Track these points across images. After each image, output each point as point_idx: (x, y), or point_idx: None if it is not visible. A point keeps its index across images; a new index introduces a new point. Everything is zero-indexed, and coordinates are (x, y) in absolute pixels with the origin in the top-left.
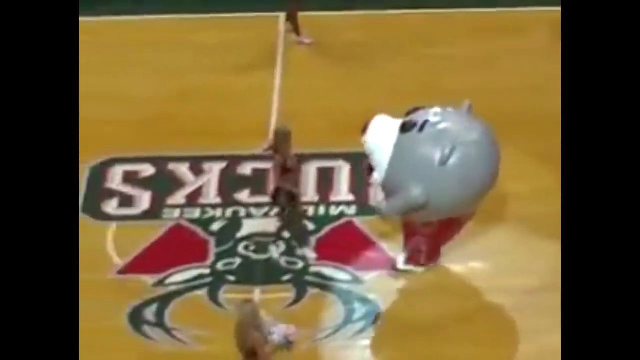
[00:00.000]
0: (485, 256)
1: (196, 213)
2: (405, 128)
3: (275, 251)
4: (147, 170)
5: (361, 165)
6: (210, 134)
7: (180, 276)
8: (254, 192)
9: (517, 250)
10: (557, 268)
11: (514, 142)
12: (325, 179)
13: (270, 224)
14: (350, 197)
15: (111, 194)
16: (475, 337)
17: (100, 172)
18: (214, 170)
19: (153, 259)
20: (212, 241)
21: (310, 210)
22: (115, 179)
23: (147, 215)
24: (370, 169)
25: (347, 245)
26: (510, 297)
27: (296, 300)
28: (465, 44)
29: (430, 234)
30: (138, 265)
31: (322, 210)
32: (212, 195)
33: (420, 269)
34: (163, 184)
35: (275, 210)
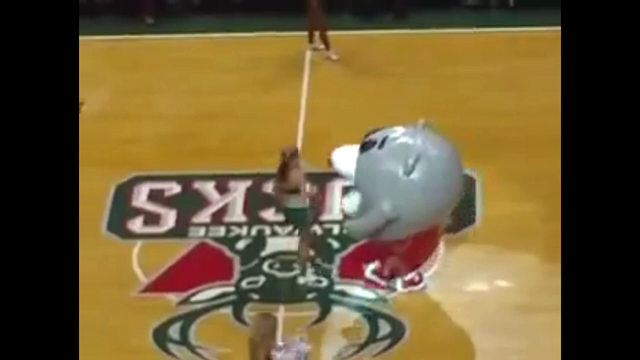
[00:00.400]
0: (511, 275)
1: (221, 231)
2: (364, 147)
3: (306, 275)
4: (173, 188)
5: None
6: (236, 152)
7: (205, 294)
8: (279, 211)
9: (543, 269)
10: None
11: (539, 162)
12: None
13: (295, 243)
14: None
15: (136, 212)
16: (501, 356)
17: (125, 190)
18: (239, 189)
19: (178, 277)
20: (236, 259)
21: (335, 229)
22: (140, 197)
23: (172, 233)
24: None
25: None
26: (537, 316)
27: (320, 318)
28: (491, 63)
29: (404, 252)
30: (163, 283)
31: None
32: (237, 214)
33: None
34: (188, 202)
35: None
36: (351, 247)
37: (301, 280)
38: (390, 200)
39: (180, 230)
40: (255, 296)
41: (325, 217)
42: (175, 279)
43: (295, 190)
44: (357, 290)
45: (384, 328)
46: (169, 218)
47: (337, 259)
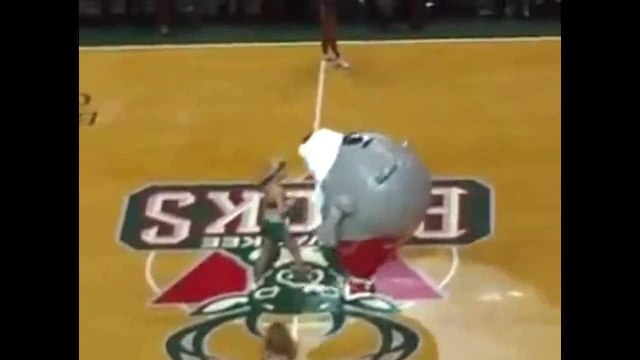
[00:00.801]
0: (525, 286)
1: (235, 242)
2: (350, 140)
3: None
4: (187, 199)
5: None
6: (250, 162)
7: (218, 305)
8: (292, 221)
9: (557, 280)
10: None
11: (553, 172)
12: None
13: (309, 254)
14: None
15: (151, 222)
16: None
17: (140, 201)
18: (253, 200)
19: (192, 288)
20: (250, 270)
21: None
22: (155, 207)
23: (186, 244)
24: None
25: (385, 275)
26: (551, 327)
27: (334, 330)
28: (506, 73)
29: (349, 255)
30: (177, 294)
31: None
32: (251, 225)
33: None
34: (202, 213)
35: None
36: None
37: (307, 289)
38: (352, 197)
39: (194, 241)
40: (270, 307)
41: None
42: (189, 289)
43: (274, 205)
44: (370, 301)
45: (398, 339)
46: (183, 229)
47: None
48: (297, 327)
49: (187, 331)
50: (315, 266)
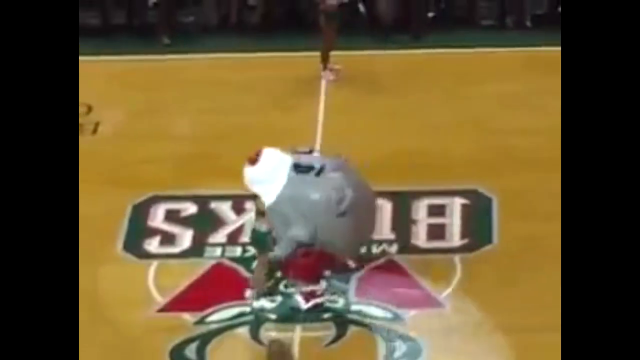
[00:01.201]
0: (528, 295)
1: (237, 251)
2: (300, 169)
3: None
4: (189, 208)
5: None
6: None
7: (221, 314)
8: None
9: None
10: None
11: (555, 181)
12: None
13: None
14: (392, 236)
15: (153, 232)
16: None
17: (142, 210)
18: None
19: (194, 297)
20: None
21: None
22: (157, 217)
23: (188, 253)
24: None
25: (388, 284)
26: (555, 336)
27: (337, 339)
28: (507, 83)
29: (294, 263)
30: (179, 303)
31: (363, 248)
32: None
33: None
34: (205, 223)
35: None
36: (367, 268)
37: (254, 304)
38: (309, 228)
39: (196, 250)
40: (272, 316)
41: None
42: (191, 299)
43: (263, 214)
44: (374, 310)
45: (400, 348)
46: (185, 238)
47: (353, 279)
48: (299, 335)
49: (190, 340)
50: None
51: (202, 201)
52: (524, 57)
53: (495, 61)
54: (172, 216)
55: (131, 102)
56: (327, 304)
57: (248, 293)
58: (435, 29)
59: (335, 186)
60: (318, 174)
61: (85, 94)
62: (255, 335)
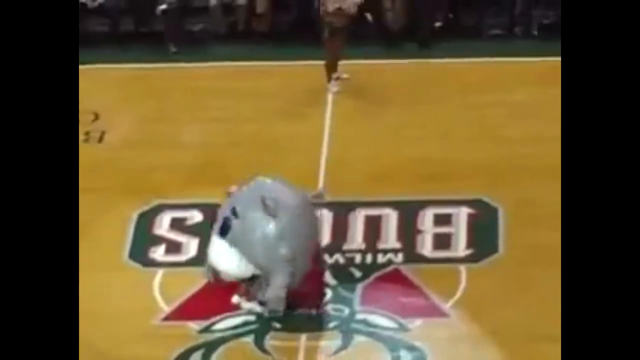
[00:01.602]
0: (534, 304)
1: None
2: (224, 230)
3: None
4: (195, 217)
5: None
6: None
7: (226, 323)
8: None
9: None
10: None
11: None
12: (373, 227)
13: None
14: (398, 245)
15: (159, 240)
16: None
17: (148, 218)
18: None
19: (199, 306)
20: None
21: (357, 258)
22: (162, 225)
23: (194, 262)
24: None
25: (393, 293)
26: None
27: (342, 348)
28: (515, 92)
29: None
30: (184, 311)
31: (369, 258)
32: None
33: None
34: (210, 231)
35: None
36: (372, 277)
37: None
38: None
39: (202, 258)
40: (277, 325)
41: (347, 246)
42: (196, 307)
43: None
44: (379, 319)
45: (405, 357)
46: (191, 246)
47: (359, 287)
48: (304, 344)
49: (195, 348)
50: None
51: (208, 209)
52: (532, 67)
53: (504, 71)
54: (177, 224)
55: (138, 110)
56: (333, 313)
57: (235, 298)
58: (443, 38)
59: (252, 205)
60: (235, 216)
61: (92, 101)
62: (260, 344)
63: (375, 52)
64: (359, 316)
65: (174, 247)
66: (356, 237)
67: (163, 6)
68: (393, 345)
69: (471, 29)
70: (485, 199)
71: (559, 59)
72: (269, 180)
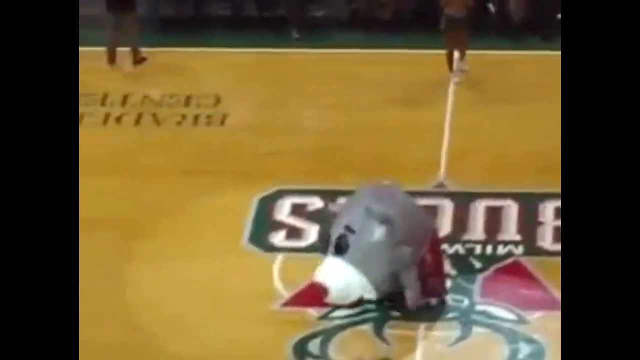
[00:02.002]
0: None
1: None
2: (339, 248)
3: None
4: (316, 203)
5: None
6: (380, 168)
7: (345, 310)
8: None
9: None
10: None
11: None
12: (493, 218)
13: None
14: (518, 237)
15: (279, 225)
16: None
17: (269, 204)
18: None
19: (319, 292)
20: None
21: (478, 249)
22: (283, 210)
23: (313, 247)
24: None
25: (513, 285)
26: None
27: (461, 338)
28: None
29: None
30: (303, 297)
31: (489, 249)
32: None
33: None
34: (331, 218)
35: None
36: (492, 269)
37: None
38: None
39: (321, 246)
40: (396, 313)
41: (467, 237)
42: (316, 293)
43: None
44: (498, 311)
45: (523, 349)
46: (311, 232)
47: (479, 278)
48: (423, 334)
49: (313, 335)
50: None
51: (328, 196)
52: None
53: None
54: (298, 210)
55: (260, 95)
56: (452, 303)
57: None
58: None
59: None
60: (351, 231)
61: (214, 85)
62: (379, 332)
63: (498, 44)
64: (479, 307)
65: (294, 233)
66: (476, 228)
67: None
68: (512, 338)
69: None
70: None
71: None
72: (367, 188)
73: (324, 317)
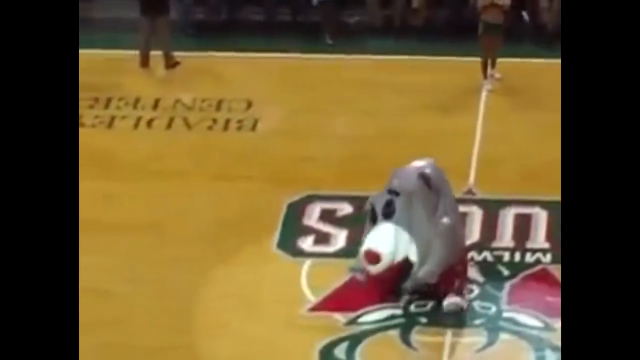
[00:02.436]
0: None
1: None
2: (387, 213)
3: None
4: (345, 209)
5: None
6: None
7: (372, 316)
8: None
9: None
10: None
11: None
12: (522, 226)
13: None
14: (547, 245)
15: (308, 230)
16: None
17: (298, 209)
18: None
19: (346, 298)
20: None
21: (506, 256)
22: (312, 216)
23: (342, 253)
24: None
25: (540, 293)
26: None
27: (488, 345)
28: None
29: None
30: (331, 303)
31: (517, 256)
32: None
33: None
34: (360, 223)
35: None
36: (520, 276)
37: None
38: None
39: (350, 250)
40: (423, 319)
41: (496, 244)
42: (343, 299)
43: None
44: (525, 318)
45: (549, 357)
46: (340, 238)
47: (507, 286)
48: (450, 340)
49: (340, 340)
50: (470, 281)
51: (358, 202)
52: None
53: None
54: (327, 216)
55: (291, 100)
56: (480, 310)
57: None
58: None
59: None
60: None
61: (246, 89)
62: (406, 339)
63: (531, 52)
64: (506, 314)
65: (323, 238)
66: (505, 235)
67: None
68: (538, 345)
69: None
70: None
71: None
72: (423, 160)
73: (351, 322)
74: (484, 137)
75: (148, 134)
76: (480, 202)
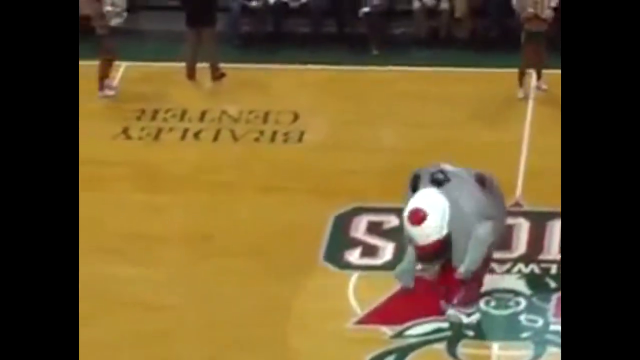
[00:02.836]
0: None
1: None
2: (438, 182)
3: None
4: (392, 221)
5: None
6: None
7: (419, 329)
8: (496, 248)
9: None
10: None
11: None
12: None
13: (512, 281)
14: None
15: (355, 243)
16: None
17: (345, 221)
18: None
19: (393, 310)
20: None
21: (553, 269)
22: (359, 228)
23: (389, 266)
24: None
25: None
26: None
27: (534, 358)
28: None
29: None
30: (378, 315)
31: None
32: None
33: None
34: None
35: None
36: None
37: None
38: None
39: (397, 263)
40: (470, 332)
41: (543, 256)
42: (390, 311)
43: None
44: None
45: None
46: (387, 250)
47: (554, 298)
48: (496, 353)
49: (387, 353)
50: (517, 293)
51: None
52: None
53: None
54: (374, 228)
55: (338, 112)
56: (527, 323)
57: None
58: None
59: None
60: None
61: (292, 101)
62: (452, 352)
63: None
64: (553, 327)
65: (369, 251)
66: (553, 248)
67: (366, 9)
68: None
69: None
70: None
71: None
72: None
73: (397, 335)
74: (530, 149)
75: (195, 145)
76: (527, 214)
